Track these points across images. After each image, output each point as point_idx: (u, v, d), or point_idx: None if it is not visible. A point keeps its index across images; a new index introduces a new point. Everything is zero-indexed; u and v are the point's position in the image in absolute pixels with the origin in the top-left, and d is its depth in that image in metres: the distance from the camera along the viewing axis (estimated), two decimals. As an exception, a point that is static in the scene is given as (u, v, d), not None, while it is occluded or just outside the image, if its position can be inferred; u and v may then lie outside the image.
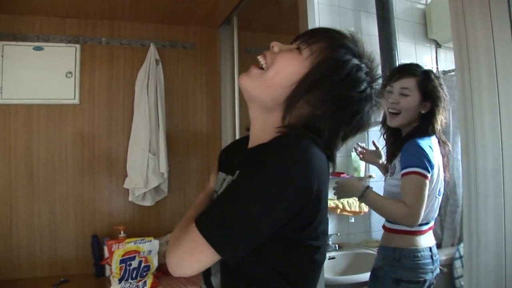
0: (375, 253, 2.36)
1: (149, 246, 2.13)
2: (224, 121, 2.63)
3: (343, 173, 2.55)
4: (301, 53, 0.82)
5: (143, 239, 2.13)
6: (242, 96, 0.89)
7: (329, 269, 2.25)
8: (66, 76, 2.38)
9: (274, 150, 0.74)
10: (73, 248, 2.34)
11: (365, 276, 2.08)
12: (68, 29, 2.40)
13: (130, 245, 2.10)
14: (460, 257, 2.58)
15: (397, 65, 2.49)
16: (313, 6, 1.52)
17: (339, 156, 2.54)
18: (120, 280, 2.04)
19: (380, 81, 0.86)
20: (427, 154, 1.53)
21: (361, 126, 0.84)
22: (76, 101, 2.40)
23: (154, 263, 2.13)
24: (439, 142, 1.69)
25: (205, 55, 2.69)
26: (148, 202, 2.41)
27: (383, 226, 1.72)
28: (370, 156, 2.01)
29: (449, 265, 2.51)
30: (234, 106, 2.53)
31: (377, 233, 2.64)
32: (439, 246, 1.74)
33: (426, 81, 1.62)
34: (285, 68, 0.81)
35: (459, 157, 2.69)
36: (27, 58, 2.31)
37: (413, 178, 1.52)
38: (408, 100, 1.62)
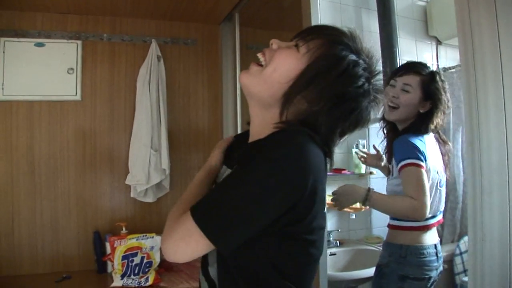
0: (376, 249, 2.38)
1: (151, 242, 2.13)
2: (225, 117, 2.64)
3: (344, 169, 2.55)
4: (298, 50, 0.84)
5: (145, 235, 2.14)
6: (243, 92, 0.91)
7: (330, 265, 2.26)
8: (67, 72, 2.37)
9: (271, 145, 0.76)
10: (75, 244, 2.34)
11: (366, 272, 2.09)
12: (70, 26, 2.39)
13: (132, 241, 2.10)
14: (461, 253, 2.60)
15: (401, 62, 2.50)
16: (316, 3, 1.52)
17: (340, 152, 2.57)
18: (122, 276, 2.04)
19: (380, 77, 0.87)
20: (417, 146, 1.54)
21: (359, 122, 0.85)
22: (78, 97, 2.39)
23: (156, 259, 2.14)
24: (439, 141, 1.71)
25: (207, 52, 2.69)
26: (150, 199, 2.42)
27: (388, 225, 1.73)
28: (372, 160, 2.02)
29: (449, 262, 2.53)
30: (235, 103, 2.53)
31: (378, 229, 2.66)
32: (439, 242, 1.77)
33: (430, 82, 1.63)
34: (282, 65, 0.83)
35: (459, 154, 2.71)
36: (29, 54, 2.30)
37: (410, 170, 1.53)
38: (408, 96, 1.64)
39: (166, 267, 2.24)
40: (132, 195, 2.40)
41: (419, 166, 1.52)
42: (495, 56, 0.99)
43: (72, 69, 2.38)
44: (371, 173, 2.62)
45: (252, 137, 0.91)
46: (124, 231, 2.21)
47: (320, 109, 0.80)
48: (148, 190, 2.40)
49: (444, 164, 1.71)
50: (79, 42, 2.40)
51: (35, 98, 2.32)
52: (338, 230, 2.55)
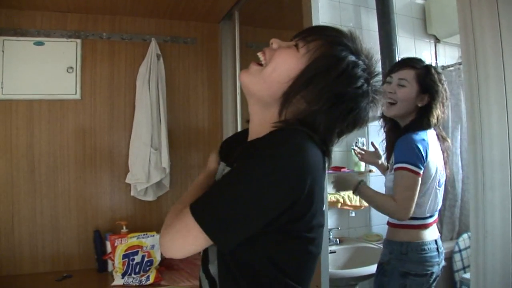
0: (376, 247, 2.39)
1: (152, 241, 2.14)
2: (225, 116, 2.64)
3: (343, 167, 2.57)
4: (298, 50, 0.85)
5: (146, 234, 2.14)
6: (243, 91, 0.92)
7: (330, 263, 2.26)
8: (67, 71, 2.37)
9: (270, 143, 0.77)
10: (75, 243, 2.34)
11: (366, 270, 2.11)
12: (69, 24, 2.38)
13: (133, 240, 2.10)
14: (460, 250, 2.61)
15: (399, 59, 2.50)
16: (317, 1, 1.52)
17: (340, 150, 2.58)
18: (123, 275, 2.04)
19: (379, 78, 0.88)
20: (419, 149, 1.55)
21: (357, 122, 0.86)
22: (77, 96, 2.39)
23: (157, 257, 2.14)
24: (438, 137, 1.72)
25: (207, 50, 2.69)
26: (150, 197, 2.42)
27: (388, 223, 1.74)
28: (369, 157, 2.03)
29: (448, 259, 2.55)
30: (235, 101, 2.53)
31: (377, 227, 2.67)
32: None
33: (425, 75, 1.65)
34: (282, 64, 0.84)
35: (458, 151, 2.72)
36: (28, 53, 2.29)
37: (404, 174, 1.55)
38: (405, 91, 1.65)
39: (166, 266, 2.24)
40: (132, 193, 2.40)
41: (415, 173, 1.53)
42: (496, 53, 1.00)
43: (71, 68, 2.38)
44: (370, 171, 2.64)
45: (251, 136, 0.92)
46: (124, 229, 2.20)
47: (319, 109, 0.81)
48: (148, 189, 2.40)
49: (443, 162, 1.72)
50: (79, 40, 2.40)
51: (35, 97, 2.31)
52: (337, 228, 2.57)
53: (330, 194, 2.41)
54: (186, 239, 0.74)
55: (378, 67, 0.88)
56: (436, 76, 1.66)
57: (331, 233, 2.43)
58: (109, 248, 2.12)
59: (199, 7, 2.41)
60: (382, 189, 1.75)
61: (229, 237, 0.75)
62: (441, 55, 3.02)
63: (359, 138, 2.54)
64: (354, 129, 0.88)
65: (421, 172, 1.54)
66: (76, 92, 2.39)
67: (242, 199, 0.73)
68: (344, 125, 0.85)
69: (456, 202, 2.72)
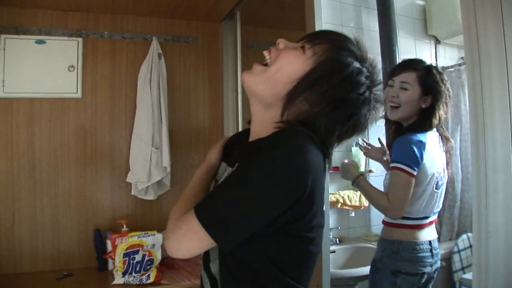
0: (375, 247, 2.39)
1: (153, 240, 2.14)
2: (226, 115, 2.64)
3: (344, 167, 2.56)
4: (304, 52, 0.86)
5: (147, 233, 2.14)
6: (244, 90, 0.92)
7: (330, 263, 2.28)
8: (68, 70, 2.36)
9: (271, 144, 0.78)
10: (76, 242, 2.34)
11: (365, 270, 2.11)
12: (70, 23, 2.38)
13: (134, 239, 2.10)
14: (459, 251, 2.62)
15: (400, 60, 2.51)
16: (320, 2, 1.53)
17: (340, 151, 2.59)
18: (123, 274, 2.04)
19: (380, 87, 0.89)
20: (414, 151, 1.56)
21: (357, 128, 0.88)
22: (79, 95, 2.39)
23: (158, 256, 2.14)
24: (441, 138, 1.72)
25: (208, 50, 2.69)
26: (150, 196, 2.42)
27: (383, 221, 1.76)
28: (374, 153, 2.03)
29: (447, 259, 2.55)
30: (236, 101, 2.53)
31: (377, 227, 2.67)
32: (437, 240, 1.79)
33: (427, 76, 1.65)
34: (287, 65, 0.85)
35: (457, 152, 2.73)
36: (29, 51, 2.29)
37: (398, 175, 1.56)
38: (407, 94, 1.65)
39: (167, 265, 2.24)
40: (133, 192, 2.40)
41: (409, 173, 1.55)
42: (500, 54, 1.01)
43: (72, 66, 2.37)
44: (370, 171, 2.64)
45: (253, 136, 0.93)
46: (125, 228, 2.21)
47: (320, 111, 0.83)
48: (149, 188, 2.40)
49: (446, 162, 1.73)
50: (80, 39, 2.39)
51: (36, 95, 2.30)
52: (337, 228, 2.57)
53: (330, 194, 2.42)
54: (192, 241, 0.76)
55: (380, 77, 0.90)
56: (438, 76, 1.66)
57: (331, 233, 2.43)
58: (109, 247, 2.12)
59: (201, 7, 2.41)
60: (380, 188, 1.75)
61: (232, 238, 0.77)
62: (441, 56, 3.03)
63: (359, 138, 2.54)
64: (354, 135, 0.89)
65: (415, 174, 1.55)
66: (77, 90, 2.39)
67: (245, 200, 0.74)
68: (344, 129, 0.86)
69: (456, 202, 2.73)
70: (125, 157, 2.42)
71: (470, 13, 1.06)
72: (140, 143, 2.35)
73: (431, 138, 1.65)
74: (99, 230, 2.32)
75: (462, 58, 2.96)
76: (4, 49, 2.24)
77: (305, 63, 0.84)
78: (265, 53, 0.90)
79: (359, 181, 1.70)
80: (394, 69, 1.77)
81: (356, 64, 0.84)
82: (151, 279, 2.05)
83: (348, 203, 2.54)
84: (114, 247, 2.07)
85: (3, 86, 2.24)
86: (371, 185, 1.69)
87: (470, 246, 2.64)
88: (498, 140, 1.01)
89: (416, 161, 1.55)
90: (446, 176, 1.73)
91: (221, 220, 0.75)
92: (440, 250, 1.74)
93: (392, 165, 1.59)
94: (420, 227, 1.64)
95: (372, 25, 2.73)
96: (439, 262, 1.70)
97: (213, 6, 2.40)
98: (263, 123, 0.89)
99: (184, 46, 2.63)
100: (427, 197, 1.63)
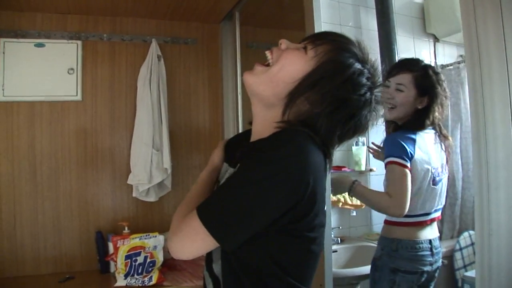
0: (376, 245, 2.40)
1: (154, 242, 2.13)
2: (226, 116, 2.64)
3: (344, 166, 2.58)
4: (306, 53, 0.86)
5: (148, 235, 2.14)
6: (244, 91, 0.93)
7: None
8: (68, 72, 2.37)
9: (272, 144, 0.78)
10: (77, 244, 2.34)
11: (367, 269, 2.11)
12: (70, 26, 2.38)
13: (135, 240, 2.10)
14: (460, 249, 2.62)
15: (398, 59, 2.51)
16: (319, 2, 1.53)
17: (340, 150, 2.59)
18: (125, 276, 2.04)
19: (381, 88, 0.90)
20: (403, 145, 1.57)
21: (357, 129, 0.88)
22: (79, 97, 2.39)
23: (160, 258, 2.14)
24: (440, 136, 1.73)
25: (207, 51, 2.69)
26: (152, 198, 2.42)
27: (385, 220, 1.76)
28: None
29: (449, 257, 2.56)
30: (236, 101, 2.53)
31: (378, 226, 2.68)
32: (439, 238, 1.79)
33: (423, 77, 1.66)
34: (289, 65, 0.86)
35: (458, 150, 2.73)
36: (29, 55, 2.29)
37: (393, 168, 1.57)
38: (402, 95, 1.66)
39: (169, 266, 2.24)
40: (134, 194, 2.40)
41: (402, 165, 1.55)
42: (500, 51, 1.01)
43: (72, 69, 2.37)
44: (371, 170, 2.65)
45: (254, 136, 0.94)
46: (126, 230, 2.20)
47: (321, 111, 0.83)
48: (150, 190, 2.40)
49: (445, 160, 1.73)
50: (79, 42, 2.39)
51: (36, 98, 2.30)
52: (339, 227, 2.57)
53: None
54: (194, 242, 0.77)
55: (381, 78, 0.91)
56: (434, 77, 1.66)
57: (332, 233, 2.43)
58: (111, 249, 2.12)
59: (200, 8, 2.41)
60: (381, 189, 1.76)
61: (234, 239, 0.77)
62: (440, 54, 3.04)
63: (359, 138, 2.55)
64: (354, 136, 0.90)
65: (408, 165, 1.55)
66: (77, 93, 2.39)
67: (247, 202, 0.75)
68: (345, 130, 0.87)
69: (457, 200, 2.74)
70: (126, 159, 2.43)
71: (469, 11, 1.06)
72: (141, 144, 2.35)
73: (424, 137, 1.66)
74: (100, 232, 2.32)
75: (461, 56, 2.96)
76: (3, 53, 2.24)
77: (307, 64, 0.85)
78: (267, 53, 0.90)
79: (354, 187, 1.65)
80: (391, 69, 1.78)
81: (358, 66, 0.85)
82: (153, 281, 2.04)
83: (349, 202, 2.55)
84: (116, 249, 2.07)
85: (3, 89, 2.24)
86: (368, 189, 1.69)
87: (472, 244, 2.65)
88: (499, 137, 1.01)
89: (406, 154, 1.56)
90: (446, 173, 1.73)
91: (223, 220, 0.76)
92: (442, 248, 1.74)
93: (385, 161, 1.61)
94: (420, 224, 1.64)
95: (371, 24, 2.74)
96: (440, 260, 1.70)
97: (212, 7, 2.40)
98: (264, 123, 0.89)
99: (184, 47, 2.64)
100: (424, 193, 1.64)
